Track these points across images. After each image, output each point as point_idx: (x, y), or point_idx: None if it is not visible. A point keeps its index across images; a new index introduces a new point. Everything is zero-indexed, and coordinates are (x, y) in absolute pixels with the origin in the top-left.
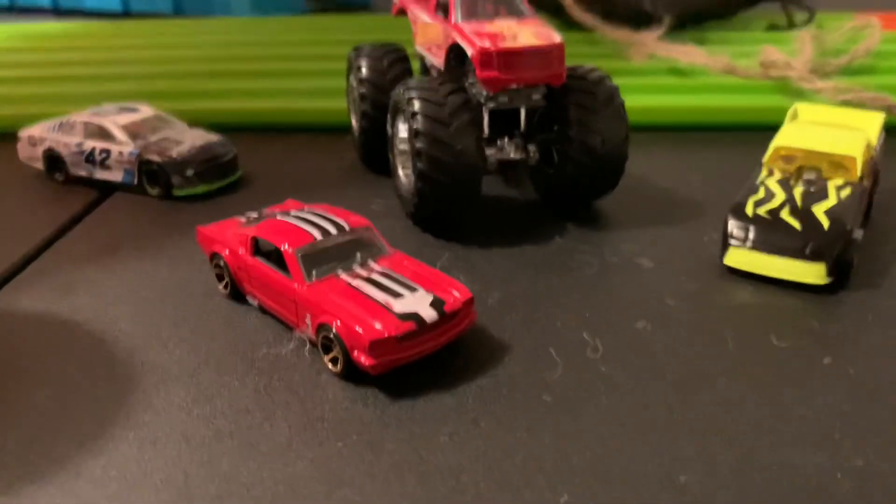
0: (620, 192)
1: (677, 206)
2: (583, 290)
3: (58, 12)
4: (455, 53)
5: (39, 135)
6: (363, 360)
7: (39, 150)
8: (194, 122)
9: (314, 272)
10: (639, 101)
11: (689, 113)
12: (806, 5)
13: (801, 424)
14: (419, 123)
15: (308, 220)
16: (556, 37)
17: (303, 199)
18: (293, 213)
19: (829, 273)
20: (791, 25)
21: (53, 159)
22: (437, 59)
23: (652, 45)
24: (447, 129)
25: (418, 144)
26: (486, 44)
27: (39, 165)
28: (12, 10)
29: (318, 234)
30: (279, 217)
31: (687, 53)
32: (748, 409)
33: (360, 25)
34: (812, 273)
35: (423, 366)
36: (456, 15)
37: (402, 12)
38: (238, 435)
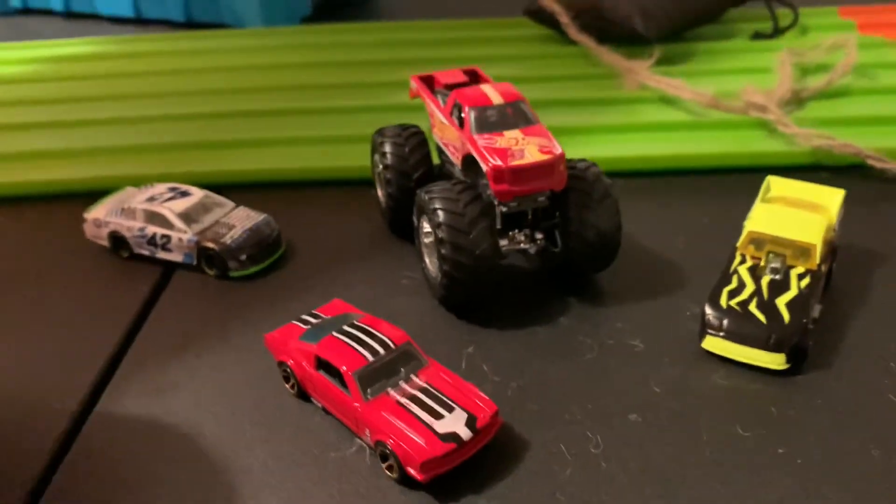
0: (615, 262)
1: (664, 274)
2: (584, 377)
3: (70, 15)
4: (471, 159)
5: (104, 218)
6: (414, 474)
7: (104, 232)
8: (225, 185)
9: (369, 391)
10: (628, 149)
11: (671, 160)
12: (789, 2)
13: None
14: (443, 233)
15: (359, 340)
16: (557, 148)
17: (341, 273)
18: (346, 327)
19: (788, 360)
20: (776, 31)
21: (118, 240)
22: (454, 157)
23: (643, 74)
24: (468, 236)
25: (443, 251)
26: (498, 162)
27: (105, 244)
28: (26, 12)
29: (369, 356)
30: (335, 334)
31: (674, 87)
32: (715, 502)
33: (375, 39)
34: (773, 361)
35: (461, 469)
36: (471, 127)
37: (417, 97)
38: None
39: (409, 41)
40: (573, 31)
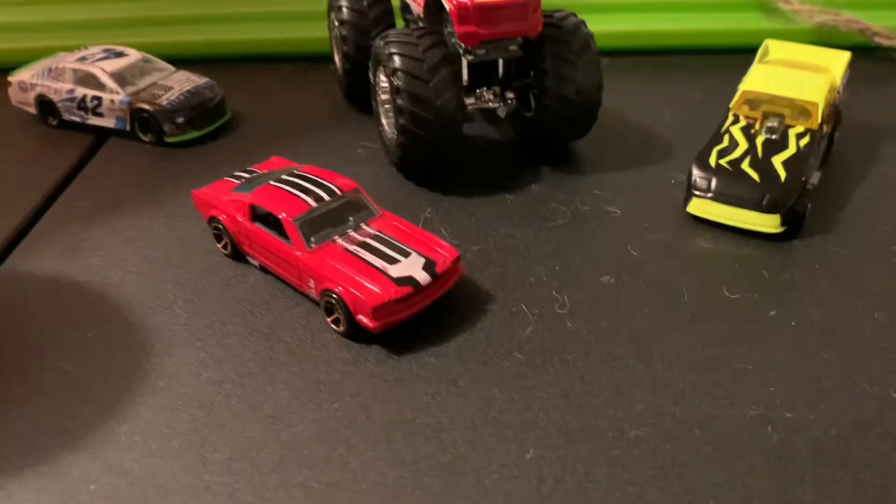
0: (595, 130)
1: (648, 145)
2: (555, 241)
3: None
4: (433, 2)
5: (30, 80)
6: (366, 322)
7: (31, 96)
8: (175, 56)
9: (312, 239)
10: (616, 25)
11: (666, 37)
12: None
13: (742, 378)
14: (400, 80)
15: (301, 187)
16: None
17: (289, 144)
18: (285, 176)
19: (783, 223)
20: None
21: (46, 105)
22: (416, 6)
23: None
24: (427, 85)
25: (399, 101)
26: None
27: (32, 110)
28: None
29: (312, 202)
30: (272, 183)
31: None
32: (696, 364)
33: None
34: (767, 223)
35: (412, 323)
36: None
37: None
38: (245, 399)
39: None
40: None
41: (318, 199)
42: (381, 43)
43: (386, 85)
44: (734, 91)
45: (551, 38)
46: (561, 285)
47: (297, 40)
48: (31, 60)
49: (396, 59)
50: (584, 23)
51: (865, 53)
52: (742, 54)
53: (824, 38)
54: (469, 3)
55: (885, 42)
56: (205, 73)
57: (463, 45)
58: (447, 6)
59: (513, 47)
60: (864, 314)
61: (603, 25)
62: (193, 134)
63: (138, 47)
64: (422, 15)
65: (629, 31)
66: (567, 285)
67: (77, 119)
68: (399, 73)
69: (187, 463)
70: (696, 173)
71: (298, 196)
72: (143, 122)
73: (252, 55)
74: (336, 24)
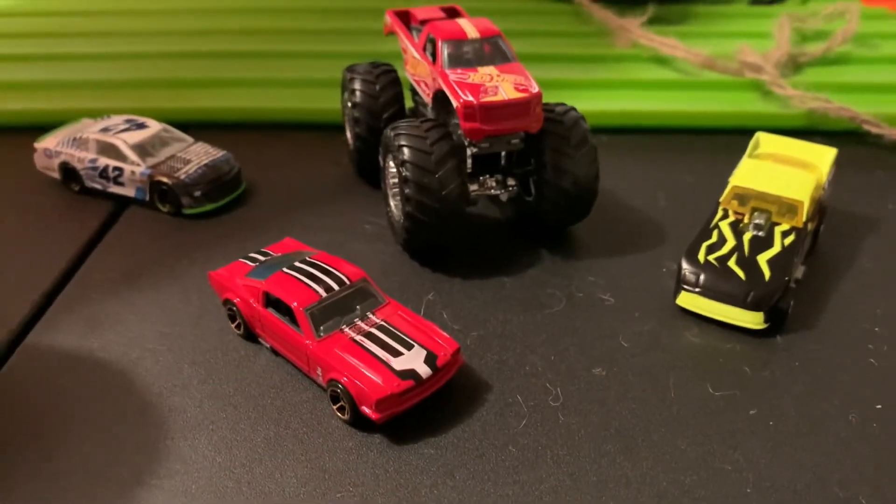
0: (592, 213)
1: (642, 230)
2: (551, 329)
3: None
4: (441, 95)
5: (55, 148)
6: (369, 413)
7: (55, 163)
8: (192, 121)
9: (322, 328)
10: (614, 104)
11: (662, 117)
12: None
13: (722, 478)
14: (408, 171)
15: (312, 275)
16: (534, 86)
17: (300, 217)
18: (297, 263)
19: (766, 320)
20: None
21: (69, 172)
22: (425, 95)
23: (635, 32)
24: (434, 176)
25: (407, 190)
26: (469, 97)
27: (56, 175)
28: None
29: (322, 291)
30: (285, 270)
31: (668, 45)
32: (679, 462)
33: None
34: (751, 320)
35: (413, 411)
36: (443, 61)
37: (392, 33)
38: (255, 485)
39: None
40: None
41: (328, 288)
42: (392, 133)
43: (395, 171)
44: (726, 175)
45: (551, 132)
46: (555, 376)
47: (311, 110)
48: (50, 121)
49: (406, 150)
50: (582, 118)
51: (854, 139)
52: (736, 136)
53: (816, 122)
54: (474, 101)
55: (873, 129)
56: (220, 137)
57: (467, 139)
58: (454, 102)
59: (515, 141)
60: (838, 415)
61: (601, 104)
62: (209, 206)
63: (157, 111)
64: (430, 103)
65: (627, 110)
66: (561, 376)
67: (98, 187)
68: (408, 164)
69: None
70: (686, 268)
71: (309, 285)
72: (162, 194)
73: (266, 122)
74: (349, 105)
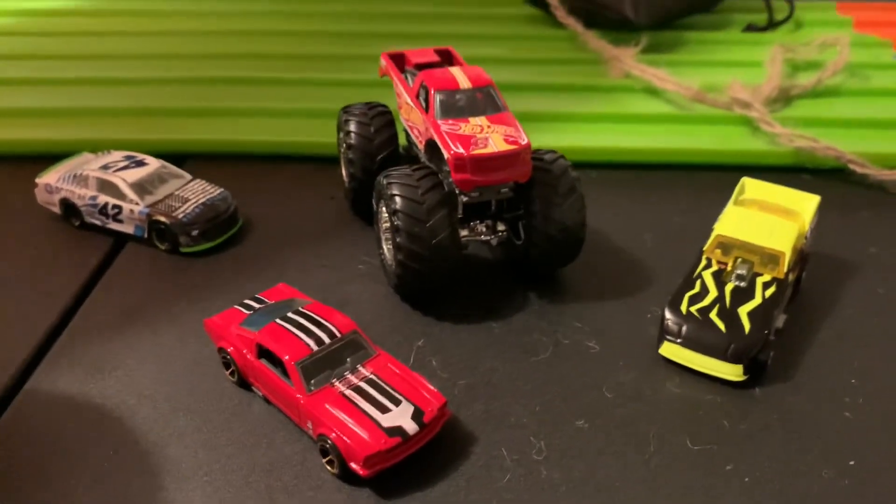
0: (580, 254)
1: (629, 273)
2: (536, 377)
3: None
4: (433, 144)
5: (55, 184)
6: (357, 469)
7: (56, 198)
8: (189, 154)
9: (312, 382)
10: (602, 140)
11: (651, 154)
12: None
13: None
14: (400, 220)
15: (303, 328)
16: (523, 138)
17: (294, 254)
18: (290, 314)
19: (746, 372)
20: (770, 24)
21: (70, 207)
22: (417, 142)
23: (629, 63)
24: (425, 225)
25: (398, 239)
26: (460, 150)
27: (56, 210)
28: None
29: (314, 345)
30: (278, 321)
31: (659, 78)
32: None
33: (356, 10)
34: (731, 372)
35: (401, 464)
36: (435, 111)
37: (386, 76)
38: None
39: (390, 14)
40: (561, 14)
41: (319, 341)
42: (385, 182)
43: (387, 217)
44: (712, 215)
45: (540, 180)
46: (539, 427)
47: (307, 143)
48: (47, 151)
49: (398, 200)
50: (571, 166)
51: (840, 176)
52: (724, 172)
53: (802, 160)
54: (465, 154)
55: (858, 169)
56: (217, 167)
57: (458, 189)
58: (445, 154)
59: (504, 190)
60: (812, 471)
61: (591, 139)
62: (206, 245)
63: (155, 143)
64: (423, 149)
65: (617, 146)
66: (545, 428)
67: (98, 223)
68: (399, 214)
69: None
70: (669, 318)
71: (301, 338)
72: (160, 233)
73: (263, 154)
74: (344, 146)
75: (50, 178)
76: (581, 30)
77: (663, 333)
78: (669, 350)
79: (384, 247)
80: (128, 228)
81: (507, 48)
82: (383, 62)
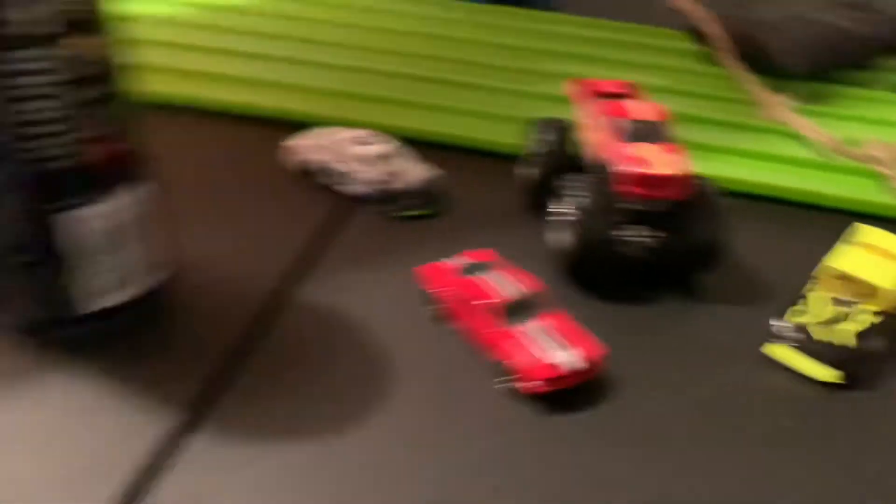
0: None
1: (749, 288)
2: (663, 353)
3: None
4: (605, 161)
5: (301, 147)
6: (533, 387)
7: (299, 159)
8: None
9: (510, 321)
10: (745, 174)
11: (785, 192)
12: None
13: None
14: (571, 217)
15: (503, 281)
16: (686, 166)
17: (484, 234)
18: (494, 270)
19: (843, 378)
20: None
21: (310, 170)
22: (594, 157)
23: (779, 109)
24: (591, 228)
25: (568, 233)
26: (629, 167)
27: (298, 171)
28: None
29: (513, 292)
30: (482, 274)
31: (807, 128)
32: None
33: (544, 29)
34: (829, 375)
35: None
36: (612, 135)
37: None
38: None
39: (572, 36)
40: (728, 59)
41: (515, 292)
42: (562, 184)
43: (560, 213)
44: (822, 251)
45: (693, 202)
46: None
47: (491, 142)
48: (295, 120)
49: (570, 199)
50: (719, 192)
51: None
52: (843, 215)
53: None
54: (633, 171)
55: None
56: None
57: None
58: (614, 169)
59: (662, 205)
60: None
61: (729, 171)
62: (427, 211)
63: (381, 126)
64: (596, 164)
65: (754, 181)
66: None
67: (334, 185)
68: (568, 213)
69: None
70: (775, 323)
71: (502, 287)
72: (390, 197)
73: (465, 147)
74: (535, 150)
75: (297, 142)
76: (743, 72)
77: (771, 335)
78: (774, 350)
79: (554, 238)
80: (358, 192)
81: (672, 80)
82: (569, 87)
